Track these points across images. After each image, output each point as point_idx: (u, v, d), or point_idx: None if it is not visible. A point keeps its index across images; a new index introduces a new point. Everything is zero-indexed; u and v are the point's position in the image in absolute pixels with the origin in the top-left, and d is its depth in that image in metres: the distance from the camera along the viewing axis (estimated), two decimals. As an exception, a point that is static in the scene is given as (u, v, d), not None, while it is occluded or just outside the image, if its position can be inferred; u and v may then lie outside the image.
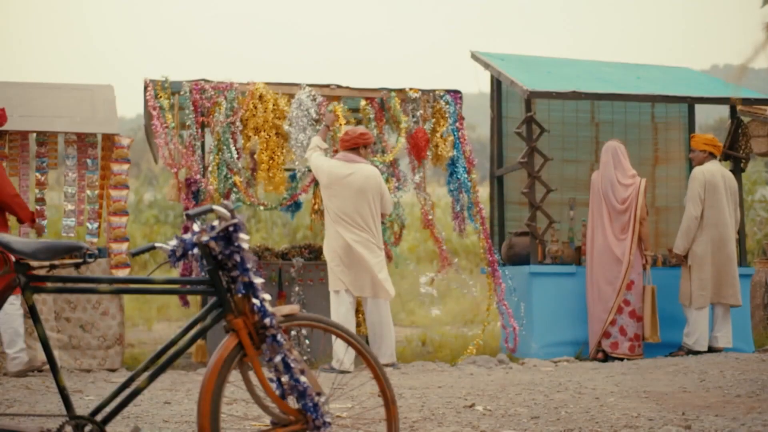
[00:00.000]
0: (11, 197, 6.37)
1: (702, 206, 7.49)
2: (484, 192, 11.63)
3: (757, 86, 9.48)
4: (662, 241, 8.82)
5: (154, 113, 7.53)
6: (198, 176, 7.55)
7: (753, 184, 15.72)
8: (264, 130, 7.66)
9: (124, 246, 7.10)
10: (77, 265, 2.96)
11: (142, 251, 3.01)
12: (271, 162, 7.65)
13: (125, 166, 7.37)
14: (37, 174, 7.39)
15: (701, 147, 7.72)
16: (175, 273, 11.34)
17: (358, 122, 8.76)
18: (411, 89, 8.15)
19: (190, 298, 7.93)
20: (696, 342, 7.44)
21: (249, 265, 2.92)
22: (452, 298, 12.80)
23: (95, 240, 7.41)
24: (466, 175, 8.03)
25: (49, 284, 2.96)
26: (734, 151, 8.44)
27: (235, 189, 7.59)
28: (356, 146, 6.67)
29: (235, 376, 3.03)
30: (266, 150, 7.65)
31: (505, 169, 9.02)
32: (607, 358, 7.38)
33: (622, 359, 7.27)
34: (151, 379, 2.99)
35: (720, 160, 8.64)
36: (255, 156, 7.82)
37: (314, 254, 8.39)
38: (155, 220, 20.47)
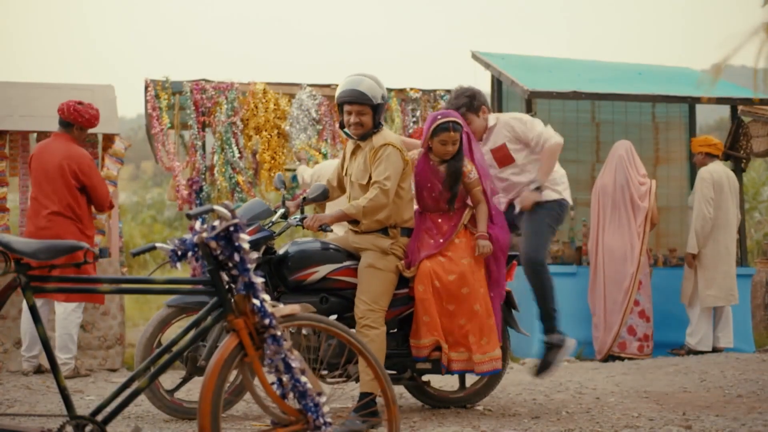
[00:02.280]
0: (105, 198, 6.37)
1: (712, 207, 7.50)
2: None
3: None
4: (663, 241, 8.81)
5: (154, 113, 7.55)
6: (197, 176, 7.56)
7: (762, 185, 15.70)
8: (265, 130, 7.67)
9: (98, 239, 7.13)
10: (78, 265, 2.96)
11: (143, 251, 3.00)
12: (273, 162, 7.66)
13: (118, 166, 7.38)
14: (38, 174, 7.37)
15: (696, 150, 7.79)
16: (176, 273, 11.35)
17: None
18: (411, 89, 8.15)
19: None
20: (699, 342, 7.44)
21: (249, 265, 2.91)
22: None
23: (97, 240, 7.40)
24: None
25: (50, 284, 2.96)
26: (735, 152, 8.44)
27: (238, 188, 7.61)
28: None
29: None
30: (268, 150, 7.66)
31: (505, 169, 9.00)
32: (607, 358, 7.36)
33: (623, 359, 7.26)
34: (152, 379, 2.99)
35: (720, 160, 8.66)
36: (257, 156, 7.83)
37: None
38: (152, 220, 20.47)
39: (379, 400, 4.73)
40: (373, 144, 4.63)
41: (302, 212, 4.85)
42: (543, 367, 4.86)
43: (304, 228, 4.64)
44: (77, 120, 6.29)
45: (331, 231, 4.71)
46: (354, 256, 4.77)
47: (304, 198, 4.89)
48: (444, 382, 5.51)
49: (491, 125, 5.04)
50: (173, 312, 4.69)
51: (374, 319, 4.54)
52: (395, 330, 4.86)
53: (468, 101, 4.92)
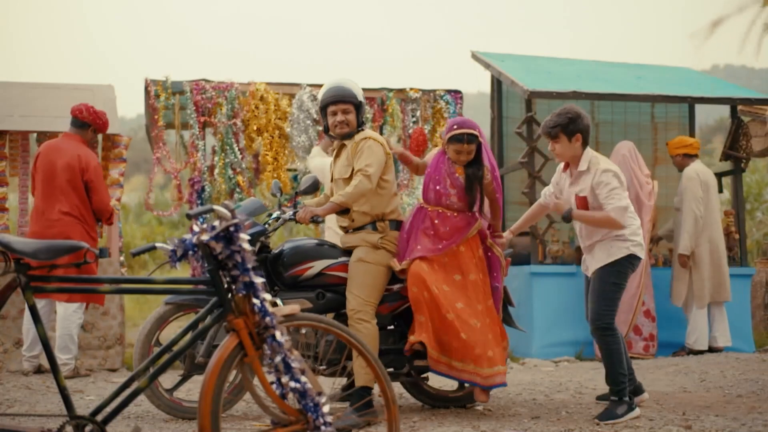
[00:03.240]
0: (105, 204, 6.39)
1: (702, 206, 7.50)
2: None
3: (757, 86, 9.48)
4: (662, 241, 8.81)
5: (154, 114, 7.57)
6: (199, 176, 7.57)
7: (765, 186, 15.69)
8: (267, 131, 7.68)
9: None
10: (78, 265, 2.96)
11: (143, 251, 3.00)
12: (275, 163, 7.68)
13: (121, 166, 7.40)
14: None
15: (674, 152, 7.79)
16: (176, 273, 11.35)
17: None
18: (411, 89, 8.16)
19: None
20: (696, 341, 7.44)
21: (249, 265, 2.91)
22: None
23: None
24: None
25: (50, 284, 2.96)
26: (734, 151, 8.44)
27: (237, 189, 7.62)
28: None
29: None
30: (270, 151, 7.67)
31: (505, 169, 9.02)
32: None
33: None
34: (152, 379, 2.99)
35: (721, 160, 8.65)
36: (259, 157, 7.85)
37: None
38: (157, 221, 20.47)
39: (378, 400, 4.73)
40: (355, 140, 4.75)
41: (295, 207, 4.90)
42: (606, 416, 4.56)
43: (296, 222, 4.69)
44: (95, 122, 6.39)
45: (323, 222, 4.74)
46: (349, 253, 4.82)
47: (296, 192, 4.98)
48: (443, 382, 5.51)
49: (582, 169, 4.77)
50: (171, 309, 4.71)
51: (366, 312, 4.58)
52: (392, 326, 4.89)
53: (566, 122, 4.78)
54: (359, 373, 4.53)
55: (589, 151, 4.83)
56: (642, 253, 4.78)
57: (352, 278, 4.68)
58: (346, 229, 4.86)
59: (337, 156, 4.90)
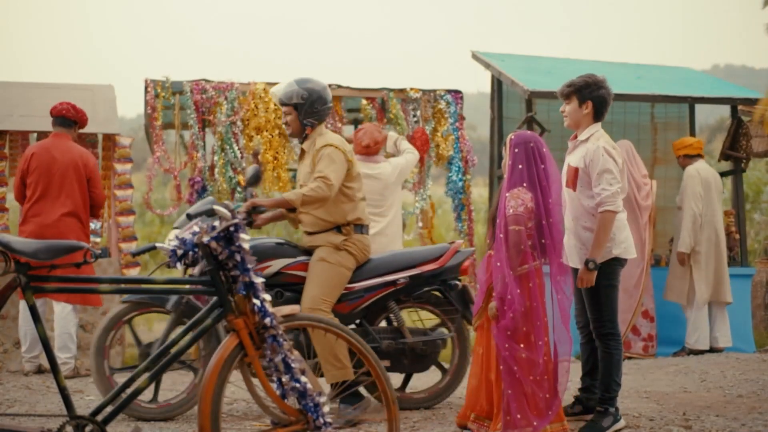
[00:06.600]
0: (103, 199, 6.47)
1: (702, 204, 7.50)
2: (484, 192, 11.58)
3: (758, 86, 9.48)
4: (661, 241, 8.81)
5: (154, 114, 7.57)
6: (199, 176, 7.56)
7: (765, 185, 15.67)
8: (266, 130, 7.68)
9: (133, 245, 7.12)
10: (78, 265, 2.96)
11: (143, 251, 3.01)
12: (275, 162, 7.68)
13: (128, 166, 7.40)
14: (38, 174, 7.35)
15: (677, 153, 7.82)
16: (176, 273, 11.35)
17: (359, 122, 8.78)
18: (412, 89, 8.16)
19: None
20: (697, 341, 7.44)
21: (249, 265, 2.92)
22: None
23: (98, 240, 7.40)
24: (459, 176, 8.07)
25: (50, 284, 2.96)
26: (734, 151, 8.44)
27: (239, 188, 7.63)
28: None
29: (235, 375, 3.03)
30: (270, 150, 7.67)
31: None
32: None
33: (624, 359, 7.25)
34: (152, 379, 3.00)
35: (719, 160, 8.64)
36: (259, 156, 7.83)
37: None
38: (160, 221, 20.47)
39: (370, 397, 4.73)
40: (315, 146, 4.72)
41: (245, 199, 4.86)
42: (590, 428, 4.39)
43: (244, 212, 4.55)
44: (82, 119, 6.40)
45: (264, 212, 4.66)
46: (309, 252, 4.80)
47: (245, 186, 4.94)
48: (427, 382, 5.50)
49: (582, 139, 4.56)
50: (128, 308, 4.66)
51: (320, 311, 4.55)
52: (355, 324, 4.87)
53: (582, 85, 4.64)
54: (329, 371, 4.50)
55: (598, 126, 4.63)
56: (627, 254, 4.52)
57: (310, 277, 4.66)
58: (309, 232, 4.83)
59: (300, 159, 4.88)
